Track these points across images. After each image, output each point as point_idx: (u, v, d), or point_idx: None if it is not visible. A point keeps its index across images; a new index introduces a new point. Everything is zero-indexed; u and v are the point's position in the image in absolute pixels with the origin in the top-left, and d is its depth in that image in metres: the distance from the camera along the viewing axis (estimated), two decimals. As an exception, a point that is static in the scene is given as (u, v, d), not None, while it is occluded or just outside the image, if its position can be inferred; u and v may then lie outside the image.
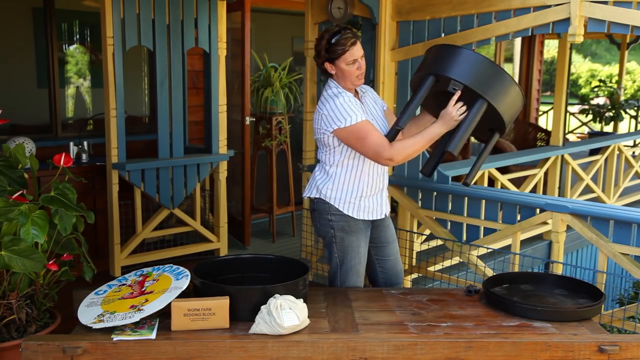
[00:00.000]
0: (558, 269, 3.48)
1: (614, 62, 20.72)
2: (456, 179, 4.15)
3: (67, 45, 5.28)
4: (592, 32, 3.17)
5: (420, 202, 4.01)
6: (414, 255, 4.11)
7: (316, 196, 2.94)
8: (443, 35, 3.69)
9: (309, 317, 2.46)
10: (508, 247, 3.96)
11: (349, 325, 2.48)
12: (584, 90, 20.12)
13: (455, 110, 2.67)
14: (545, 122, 11.62)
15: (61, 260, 2.84)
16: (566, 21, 3.18)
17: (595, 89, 12.20)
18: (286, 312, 2.34)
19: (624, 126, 11.43)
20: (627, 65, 12.74)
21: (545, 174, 5.74)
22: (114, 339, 2.28)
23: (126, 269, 4.14)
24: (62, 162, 2.85)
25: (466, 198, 3.79)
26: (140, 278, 2.69)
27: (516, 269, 3.54)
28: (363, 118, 2.75)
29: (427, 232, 4.12)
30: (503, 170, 5.26)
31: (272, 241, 5.53)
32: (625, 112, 10.47)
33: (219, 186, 4.78)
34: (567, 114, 7.73)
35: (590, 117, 10.32)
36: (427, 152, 3.94)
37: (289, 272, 2.73)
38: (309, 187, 3.00)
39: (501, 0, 3.40)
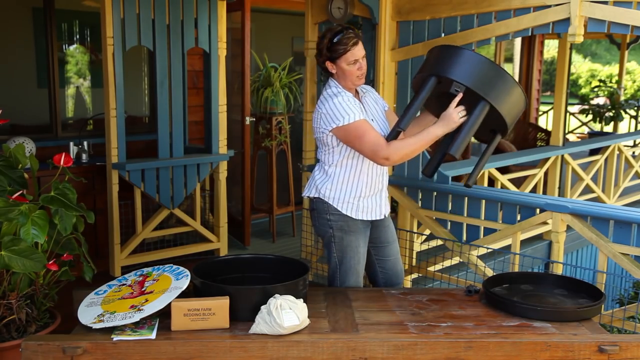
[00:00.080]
0: (558, 269, 3.48)
1: (614, 62, 20.72)
2: (456, 179, 4.15)
3: (67, 45, 5.28)
4: (592, 32, 3.17)
5: (420, 202, 4.01)
6: (414, 255, 4.11)
7: (315, 196, 2.95)
8: (443, 35, 3.69)
9: (309, 317, 2.46)
10: (508, 247, 3.96)
11: (349, 325, 2.48)
12: (584, 90, 20.12)
13: (456, 112, 2.66)
14: (545, 122, 11.63)
15: (61, 260, 2.84)
16: (566, 21, 3.18)
17: (595, 89, 12.21)
18: (286, 312, 2.34)
19: (624, 126, 11.43)
20: (627, 65, 12.74)
21: (545, 174, 5.74)
22: (114, 339, 2.28)
23: (126, 269, 4.14)
24: (62, 162, 2.85)
25: (466, 198, 3.79)
26: (140, 278, 2.69)
27: (516, 269, 3.54)
28: (361, 117, 2.75)
29: (427, 232, 4.12)
30: (503, 170, 5.26)
31: (272, 241, 5.53)
32: (625, 112, 10.48)
33: (219, 186, 4.78)
34: (567, 114, 7.73)
35: (590, 117, 10.32)
36: (428, 153, 3.94)
37: (289, 272, 2.73)
38: (309, 186, 3.01)
39: (501, 0, 3.40)
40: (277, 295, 2.43)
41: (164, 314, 2.40)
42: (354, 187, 2.89)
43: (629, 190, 7.23)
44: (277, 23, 6.68)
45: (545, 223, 3.72)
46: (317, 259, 4.30)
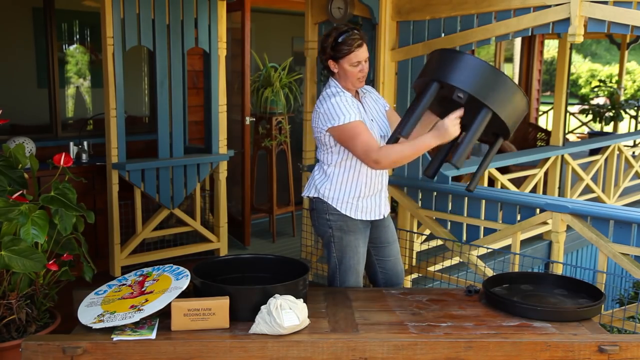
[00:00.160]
0: (558, 269, 3.48)
1: (614, 62, 20.72)
2: (456, 179, 4.15)
3: (67, 45, 5.29)
4: (592, 32, 3.17)
5: (420, 202, 4.01)
6: (414, 255, 4.11)
7: (315, 196, 2.95)
8: (443, 35, 3.69)
9: (309, 317, 2.45)
10: (508, 247, 3.96)
11: (349, 325, 2.48)
12: (584, 90, 20.13)
13: (452, 125, 2.61)
14: (545, 122, 11.63)
15: (61, 260, 2.84)
16: (566, 21, 3.18)
17: (595, 89, 12.21)
18: (286, 312, 2.34)
19: (624, 126, 11.43)
20: (627, 65, 12.75)
21: (545, 174, 5.75)
22: (114, 339, 2.28)
23: (126, 269, 4.14)
24: (62, 162, 2.85)
25: (466, 198, 3.79)
26: (140, 278, 2.69)
27: (516, 269, 3.54)
28: (357, 118, 2.75)
29: (427, 232, 4.12)
30: (503, 170, 5.26)
31: (272, 241, 5.53)
32: (625, 112, 10.48)
33: (219, 186, 4.78)
34: (567, 114, 7.73)
35: (590, 117, 10.32)
36: (429, 154, 3.94)
37: (289, 272, 2.73)
38: (308, 186, 3.01)
39: (501, 0, 3.40)
40: (277, 295, 2.43)
41: (164, 314, 2.40)
42: (353, 187, 2.89)
43: (629, 190, 7.23)
44: (277, 23, 6.68)
45: (545, 223, 3.72)
46: (317, 259, 4.30)
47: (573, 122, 12.20)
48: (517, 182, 5.53)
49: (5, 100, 4.77)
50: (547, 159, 5.68)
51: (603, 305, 2.81)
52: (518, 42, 8.65)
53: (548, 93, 16.20)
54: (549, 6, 3.22)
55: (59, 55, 5.06)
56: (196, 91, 5.52)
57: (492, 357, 2.34)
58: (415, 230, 4.08)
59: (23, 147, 2.94)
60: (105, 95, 4.15)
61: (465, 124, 2.68)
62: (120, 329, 2.35)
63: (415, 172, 3.95)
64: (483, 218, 3.74)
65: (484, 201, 3.73)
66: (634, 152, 7.78)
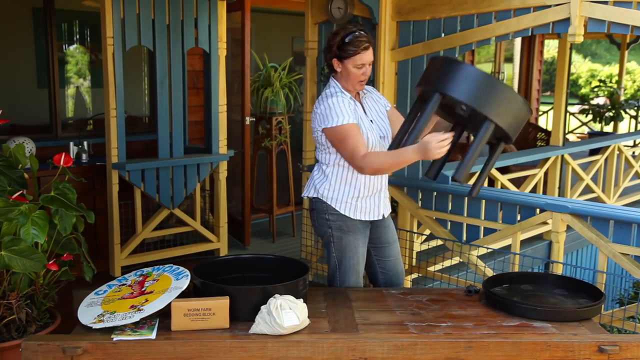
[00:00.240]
0: (558, 269, 3.48)
1: (614, 62, 20.72)
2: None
3: (67, 45, 5.29)
4: (592, 32, 3.17)
5: (420, 202, 4.01)
6: (414, 255, 4.11)
7: (314, 196, 2.95)
8: (443, 35, 3.69)
9: (309, 317, 2.45)
10: (508, 247, 3.96)
11: (349, 325, 2.48)
12: (584, 90, 20.13)
13: (436, 148, 2.54)
14: (545, 122, 11.63)
15: (61, 260, 2.84)
16: (566, 21, 3.18)
17: (595, 89, 12.21)
18: (286, 312, 2.34)
19: (624, 126, 11.43)
20: (627, 65, 12.75)
21: (545, 174, 5.75)
22: (114, 339, 2.28)
23: (126, 269, 4.15)
24: (62, 162, 2.85)
25: (466, 198, 3.79)
26: (140, 278, 2.69)
27: (516, 269, 3.54)
28: (352, 121, 2.74)
29: (427, 232, 4.12)
30: (503, 170, 5.26)
31: (272, 241, 5.53)
32: (625, 112, 10.47)
33: (219, 186, 4.78)
34: (567, 114, 7.73)
35: (590, 117, 10.32)
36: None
37: (289, 272, 2.73)
38: (308, 186, 3.01)
39: (501, 0, 3.40)
40: (277, 295, 2.43)
41: (164, 314, 2.40)
42: (352, 187, 2.89)
43: (629, 190, 7.23)
44: (277, 23, 6.68)
45: (545, 223, 3.72)
46: (317, 259, 4.30)
47: (573, 122, 12.20)
48: (517, 182, 5.52)
49: (5, 100, 4.77)
50: (547, 159, 5.68)
51: (603, 305, 2.81)
52: (518, 42, 8.64)
53: (548, 93, 16.20)
54: (549, 6, 3.23)
55: (59, 55, 5.06)
56: (196, 91, 5.52)
57: (492, 357, 2.34)
58: (415, 230, 4.08)
59: (23, 147, 2.94)
60: (105, 95, 4.15)
61: (463, 124, 2.67)
62: (120, 329, 2.35)
63: (415, 172, 3.95)
64: (483, 218, 3.74)
65: (484, 201, 3.73)
66: (634, 152, 7.78)
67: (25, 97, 5.04)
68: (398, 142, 2.76)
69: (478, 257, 3.82)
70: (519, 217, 3.64)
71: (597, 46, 23.62)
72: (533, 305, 2.60)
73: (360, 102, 2.93)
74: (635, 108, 10.90)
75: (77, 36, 5.35)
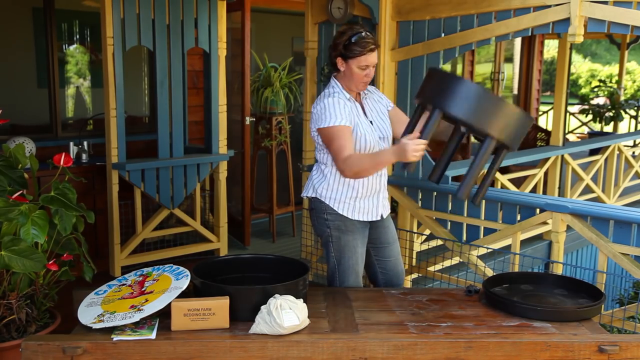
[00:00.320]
0: (558, 269, 3.48)
1: (614, 62, 20.71)
2: (456, 179, 4.15)
3: (67, 45, 5.29)
4: (592, 32, 3.17)
5: (420, 202, 4.01)
6: (414, 255, 4.11)
7: (312, 195, 2.96)
8: (443, 35, 3.69)
9: (309, 317, 2.45)
10: (508, 247, 3.96)
11: (349, 325, 2.48)
12: (584, 90, 20.12)
13: (412, 151, 2.53)
14: (545, 122, 11.62)
15: (61, 260, 2.84)
16: (566, 21, 3.18)
17: (595, 89, 12.20)
18: (286, 312, 2.34)
19: (624, 126, 11.43)
20: (627, 65, 12.74)
21: (545, 174, 5.75)
22: (114, 339, 2.28)
23: (126, 269, 4.15)
24: (62, 162, 2.85)
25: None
26: (140, 278, 2.69)
27: (516, 269, 3.54)
28: (344, 123, 2.73)
29: (427, 232, 4.12)
30: (503, 170, 5.26)
31: (272, 241, 5.53)
32: (625, 112, 10.47)
33: (219, 186, 4.78)
34: (567, 114, 7.73)
35: (590, 117, 10.31)
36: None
37: (289, 272, 2.73)
38: (307, 186, 3.02)
39: (501, 0, 3.40)
40: (277, 295, 2.43)
41: (164, 314, 2.40)
42: (350, 187, 2.88)
43: (629, 190, 7.23)
44: (277, 23, 6.68)
45: (545, 223, 3.72)
46: (317, 259, 4.30)
47: (573, 122, 12.20)
48: (517, 182, 5.52)
49: (5, 100, 4.77)
50: (547, 159, 5.68)
51: (603, 305, 2.81)
52: (518, 42, 8.64)
53: (548, 93, 16.19)
54: (549, 6, 3.22)
55: (59, 55, 5.06)
56: (196, 91, 5.52)
57: (492, 357, 2.34)
58: (415, 230, 4.08)
59: (23, 147, 2.94)
60: (105, 95, 4.15)
61: (460, 127, 2.65)
62: (120, 329, 2.35)
63: (415, 172, 3.95)
64: (483, 218, 3.74)
65: (484, 201, 3.72)
66: (634, 152, 7.78)
67: (25, 97, 5.04)
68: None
69: (478, 257, 3.82)
70: (519, 217, 3.64)
71: (597, 46, 23.62)
72: (533, 305, 2.60)
73: (360, 102, 2.93)
74: (635, 108, 10.90)
75: (77, 36, 5.35)
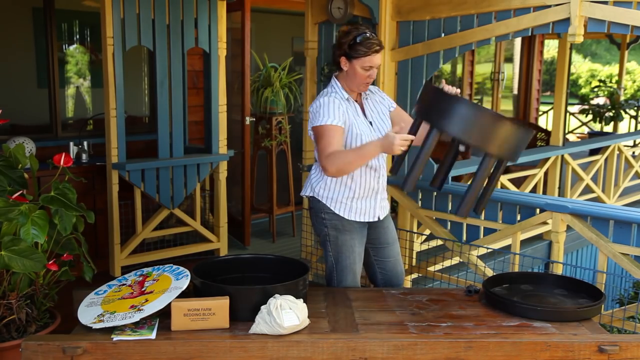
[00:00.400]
0: (558, 269, 3.48)
1: (614, 62, 20.70)
2: (456, 179, 4.15)
3: (67, 45, 5.29)
4: (592, 32, 3.17)
5: (420, 202, 4.01)
6: (414, 255, 4.11)
7: (310, 195, 2.97)
8: (443, 35, 3.69)
9: (309, 317, 2.45)
10: (508, 247, 3.96)
11: (349, 325, 2.48)
12: (584, 90, 20.11)
13: (399, 145, 2.54)
14: (545, 122, 11.62)
15: (61, 260, 2.84)
16: (566, 21, 3.18)
17: (595, 89, 12.20)
18: (286, 312, 2.34)
19: (624, 126, 11.43)
20: (627, 65, 12.74)
21: (545, 174, 5.75)
22: (114, 339, 2.28)
23: (126, 269, 4.15)
24: (62, 162, 2.86)
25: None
26: (140, 278, 2.69)
27: (516, 269, 3.54)
28: (335, 123, 2.72)
29: (427, 232, 4.12)
30: (503, 170, 5.25)
31: (272, 241, 5.53)
32: (625, 112, 10.47)
33: (219, 186, 4.78)
34: (567, 114, 7.73)
35: (590, 117, 10.31)
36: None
37: (289, 272, 2.73)
38: (306, 185, 3.03)
39: (501, 0, 3.40)
40: (277, 295, 2.43)
41: (164, 314, 2.40)
42: (347, 187, 2.88)
43: (629, 190, 7.23)
44: (277, 23, 6.68)
45: (545, 223, 3.72)
46: (317, 259, 4.30)
47: (573, 122, 12.20)
48: (517, 182, 5.52)
49: (5, 100, 4.77)
50: (547, 159, 5.68)
51: (603, 305, 2.81)
52: (518, 42, 8.64)
53: (548, 93, 16.19)
54: (549, 6, 3.23)
55: (59, 55, 5.06)
56: (196, 91, 5.52)
57: (492, 357, 2.34)
58: (415, 230, 4.08)
59: (23, 147, 2.94)
60: (105, 95, 4.15)
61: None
62: (120, 329, 2.35)
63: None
64: (483, 218, 3.74)
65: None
66: (634, 152, 7.78)
67: (25, 97, 5.04)
68: (397, 168, 2.74)
69: (478, 257, 3.82)
70: (519, 217, 3.64)
71: (597, 46, 23.62)
72: (533, 305, 2.60)
73: (360, 102, 2.93)
74: (635, 108, 10.89)
75: (77, 36, 5.35)
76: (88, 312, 2.45)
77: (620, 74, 10.25)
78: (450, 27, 3.66)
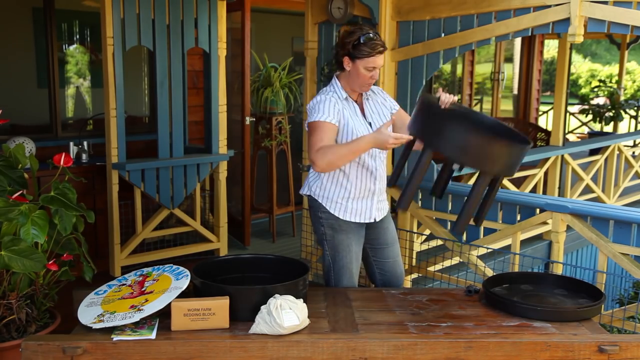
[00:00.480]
0: (558, 269, 3.48)
1: (614, 62, 20.70)
2: (456, 179, 4.15)
3: (67, 45, 5.28)
4: (592, 32, 3.17)
5: (420, 202, 4.01)
6: (414, 255, 4.11)
7: (308, 193, 2.98)
8: (443, 35, 3.69)
9: (309, 317, 2.46)
10: (508, 247, 3.96)
11: (349, 325, 2.48)
12: (584, 90, 20.11)
13: (393, 144, 2.56)
14: (545, 122, 11.62)
15: (61, 260, 2.84)
16: (566, 21, 3.18)
17: (595, 89, 12.21)
18: (286, 312, 2.34)
19: (624, 126, 11.43)
20: (627, 65, 12.74)
21: (545, 174, 5.75)
22: (114, 339, 2.28)
23: (126, 269, 4.14)
24: (62, 162, 2.86)
25: (466, 198, 3.78)
26: (140, 278, 2.69)
27: (516, 269, 3.54)
28: (329, 120, 2.72)
29: (427, 232, 4.12)
30: (503, 170, 5.24)
31: (272, 241, 5.53)
32: (625, 112, 10.47)
33: (219, 186, 4.78)
34: (567, 114, 7.73)
35: (590, 117, 10.32)
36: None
37: (289, 272, 2.73)
38: (304, 184, 3.04)
39: (501, 0, 3.40)
40: (277, 295, 2.43)
41: (164, 314, 2.40)
42: (342, 187, 2.88)
43: (629, 190, 7.23)
44: (277, 23, 6.68)
45: (545, 223, 3.72)
46: (317, 259, 4.30)
47: (573, 122, 12.20)
48: (517, 182, 5.52)
49: (5, 100, 4.77)
50: (547, 159, 5.67)
51: (603, 305, 2.81)
52: (518, 42, 8.64)
53: (548, 93, 16.19)
54: (549, 6, 3.22)
55: (59, 55, 5.06)
56: (196, 91, 5.52)
57: (492, 357, 2.34)
58: (415, 230, 4.08)
59: (23, 147, 2.94)
60: (105, 95, 4.15)
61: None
62: (120, 329, 2.35)
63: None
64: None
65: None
66: (634, 152, 7.78)
67: (25, 97, 5.04)
68: (396, 178, 2.73)
69: (478, 257, 3.82)
70: (519, 217, 3.64)
71: (597, 46, 23.61)
72: (533, 305, 2.60)
73: (360, 103, 2.92)
74: (635, 108, 10.90)
75: (77, 36, 5.35)
76: (88, 312, 2.45)
77: (620, 74, 10.26)
78: (450, 27, 3.66)
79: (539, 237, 5.20)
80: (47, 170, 3.09)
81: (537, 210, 3.54)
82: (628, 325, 3.18)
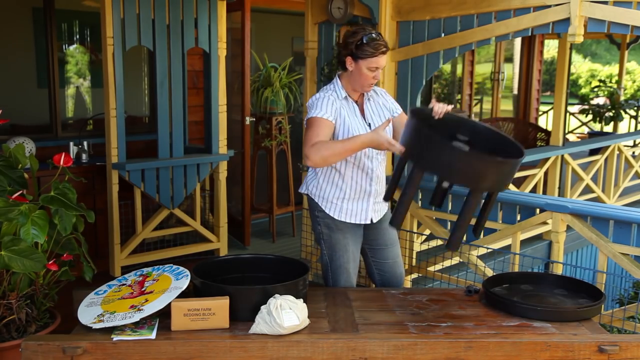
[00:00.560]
0: (558, 269, 3.48)
1: (614, 62, 20.70)
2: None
3: (67, 45, 5.28)
4: (592, 32, 3.17)
5: (420, 202, 4.01)
6: (414, 255, 4.11)
7: (305, 192, 3.00)
8: (443, 35, 3.69)
9: (309, 317, 2.46)
10: (508, 247, 3.96)
11: (349, 325, 2.48)
12: (584, 90, 20.11)
13: (388, 146, 2.56)
14: (545, 122, 11.62)
15: (61, 260, 2.84)
16: (566, 21, 3.18)
17: (595, 89, 12.21)
18: (286, 312, 2.34)
19: (624, 126, 11.43)
20: (627, 65, 12.74)
21: (545, 174, 5.74)
22: (114, 339, 2.28)
23: (126, 269, 4.14)
24: (62, 162, 2.86)
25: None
26: (140, 278, 2.69)
27: (516, 269, 3.54)
28: (325, 117, 2.72)
29: (427, 232, 4.12)
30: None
31: (272, 241, 5.53)
32: (625, 112, 10.47)
33: (219, 186, 4.78)
34: (567, 114, 7.74)
35: (590, 117, 10.31)
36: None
37: (289, 272, 2.73)
38: (303, 183, 3.06)
39: (501, 0, 3.41)
40: (277, 295, 2.43)
41: (164, 314, 2.40)
42: (337, 188, 2.88)
43: (629, 190, 7.23)
44: (277, 23, 6.68)
45: (545, 223, 3.72)
46: (317, 259, 4.29)
47: (573, 122, 12.20)
48: (517, 182, 5.52)
49: (5, 100, 4.77)
50: (547, 159, 5.67)
51: (603, 305, 2.81)
52: (518, 42, 8.64)
53: (548, 93, 16.19)
54: (549, 6, 3.23)
55: (59, 55, 5.06)
56: (196, 91, 5.52)
57: (492, 357, 2.34)
58: (415, 230, 4.08)
59: (23, 147, 2.94)
60: (105, 95, 4.15)
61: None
62: (120, 329, 2.35)
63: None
64: (483, 218, 3.73)
65: (483, 201, 3.72)
66: (634, 152, 7.78)
67: (25, 97, 5.04)
68: (391, 194, 2.71)
69: (478, 257, 3.82)
70: (519, 217, 3.64)
71: (597, 46, 23.61)
72: (533, 305, 2.60)
73: (361, 103, 2.92)
74: (635, 108, 10.90)
75: (77, 36, 5.35)
76: (88, 312, 2.45)
77: (620, 74, 10.25)
78: (450, 27, 3.66)
79: (539, 237, 5.20)
80: (47, 170, 3.09)
81: (537, 210, 3.54)
82: (628, 325, 3.18)
